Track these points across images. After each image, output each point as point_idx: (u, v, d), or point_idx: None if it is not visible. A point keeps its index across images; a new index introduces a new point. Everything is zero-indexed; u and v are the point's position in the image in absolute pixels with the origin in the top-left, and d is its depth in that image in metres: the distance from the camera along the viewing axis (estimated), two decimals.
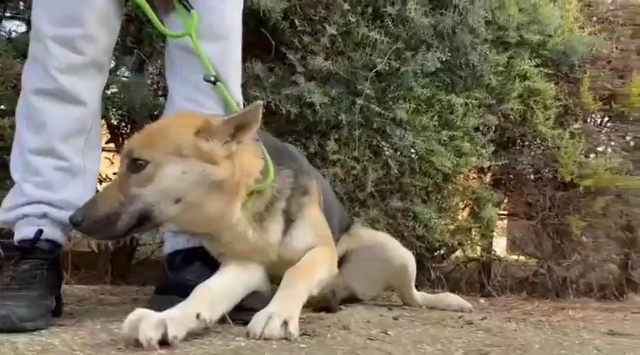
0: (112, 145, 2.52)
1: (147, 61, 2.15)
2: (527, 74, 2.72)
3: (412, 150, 2.51)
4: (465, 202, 2.84)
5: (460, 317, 1.79)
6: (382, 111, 2.41)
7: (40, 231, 1.35)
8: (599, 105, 3.09)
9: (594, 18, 3.18)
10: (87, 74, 1.46)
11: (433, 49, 2.40)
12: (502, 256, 3.12)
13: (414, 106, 2.45)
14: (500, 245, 3.46)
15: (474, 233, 2.92)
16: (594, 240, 3.17)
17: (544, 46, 2.79)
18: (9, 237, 1.47)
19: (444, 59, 2.38)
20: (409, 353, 1.15)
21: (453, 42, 2.48)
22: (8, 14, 2.38)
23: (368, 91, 2.36)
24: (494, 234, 3.03)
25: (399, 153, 2.49)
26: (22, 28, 2.31)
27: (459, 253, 3.11)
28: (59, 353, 1.01)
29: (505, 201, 3.20)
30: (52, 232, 1.38)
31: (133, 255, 2.83)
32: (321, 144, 2.38)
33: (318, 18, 2.34)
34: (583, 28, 2.95)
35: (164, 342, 1.05)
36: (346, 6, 2.34)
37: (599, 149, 3.13)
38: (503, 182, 3.01)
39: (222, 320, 1.26)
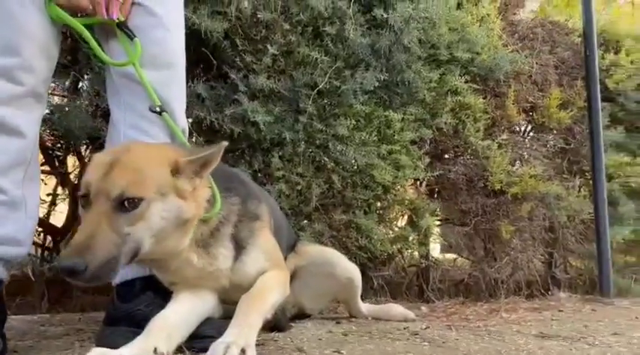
0: (45, 167, 2.44)
1: (82, 81, 2.09)
2: (458, 89, 2.88)
3: (353, 165, 2.59)
4: (403, 212, 2.96)
5: (405, 328, 1.88)
6: (324, 128, 2.47)
7: None
8: (522, 116, 3.33)
9: (516, 35, 3.40)
10: (26, 105, 1.42)
11: (372, 68, 2.49)
12: (439, 261, 3.27)
13: (354, 122, 2.53)
14: (435, 250, 3.63)
15: (411, 240, 3.05)
16: (522, 242, 3.40)
17: (472, 63, 2.95)
18: None
19: (382, 79, 2.47)
20: None
21: (390, 61, 2.58)
22: None
23: (310, 109, 2.41)
24: (431, 240, 3.17)
25: (341, 167, 2.56)
26: None
27: (398, 261, 3.23)
28: None
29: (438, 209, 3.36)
30: None
31: None
32: (266, 161, 2.41)
33: (259, 37, 2.37)
34: (506, 45, 3.15)
35: None
36: (286, 26, 2.39)
37: (524, 157, 3.34)
38: (438, 191, 3.16)
39: (178, 350, 1.27)
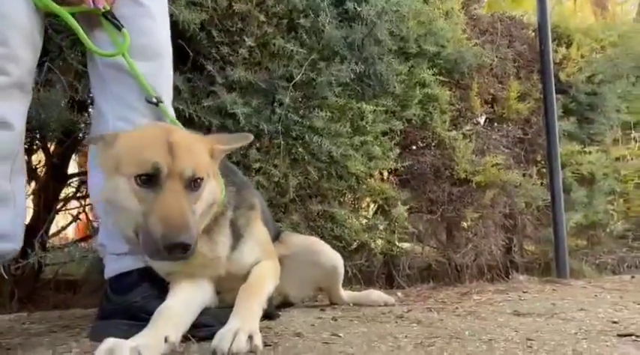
0: None
1: (58, 73, 2.03)
2: (426, 82, 2.97)
3: (328, 156, 2.64)
4: (376, 201, 3.03)
5: (389, 312, 1.94)
6: (300, 120, 2.50)
7: None
8: (484, 108, 3.47)
9: (477, 29, 3.53)
10: (12, 96, 1.38)
11: (347, 60, 2.54)
12: (408, 249, 3.37)
13: (329, 114, 2.58)
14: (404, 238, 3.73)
15: (382, 229, 3.13)
16: (485, 229, 3.56)
17: (439, 56, 3.06)
18: None
19: (357, 71, 2.52)
20: (368, 352, 1.26)
21: (363, 53, 2.64)
22: None
23: (286, 101, 2.43)
24: (401, 229, 3.26)
25: (316, 159, 2.60)
26: None
27: (370, 248, 3.31)
28: None
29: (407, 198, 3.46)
30: None
31: (39, 277, 2.66)
32: (243, 153, 2.41)
33: (235, 29, 2.37)
34: (470, 39, 3.27)
35: None
36: (262, 17, 2.40)
37: (487, 148, 3.48)
38: (408, 181, 3.26)
39: (184, 339, 1.28)
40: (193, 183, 1.25)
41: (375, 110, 2.74)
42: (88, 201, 2.66)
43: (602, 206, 4.10)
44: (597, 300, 2.33)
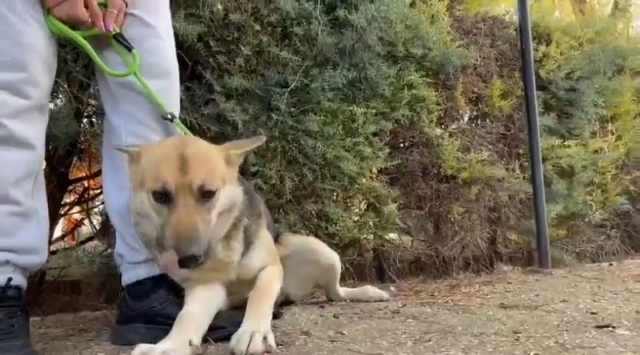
0: None
1: (64, 86, 2.10)
2: (414, 84, 3.09)
3: (322, 158, 2.75)
4: (368, 199, 3.16)
5: (385, 308, 2.08)
6: (295, 124, 2.61)
7: (10, 278, 1.35)
8: (469, 107, 3.60)
9: (460, 30, 3.65)
10: (32, 117, 1.47)
11: (339, 66, 2.64)
12: (398, 243, 3.51)
13: (323, 118, 2.69)
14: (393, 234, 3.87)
15: (372, 225, 3.26)
16: (470, 222, 3.71)
17: (425, 58, 3.17)
18: None
19: (350, 77, 2.63)
20: (372, 349, 1.39)
21: (353, 59, 2.75)
22: None
23: (282, 107, 2.53)
24: (392, 225, 3.39)
25: (311, 161, 2.71)
26: None
27: (361, 245, 3.44)
28: None
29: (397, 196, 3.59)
30: (18, 278, 1.39)
31: (43, 281, 2.73)
32: None
33: (231, 39, 2.46)
34: (454, 40, 3.39)
35: None
36: (257, 27, 2.49)
37: (472, 144, 3.62)
38: (397, 179, 3.38)
39: (203, 341, 1.39)
40: (206, 194, 1.33)
41: (365, 112, 2.86)
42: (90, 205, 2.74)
43: (582, 197, 4.26)
44: (577, 290, 2.49)
